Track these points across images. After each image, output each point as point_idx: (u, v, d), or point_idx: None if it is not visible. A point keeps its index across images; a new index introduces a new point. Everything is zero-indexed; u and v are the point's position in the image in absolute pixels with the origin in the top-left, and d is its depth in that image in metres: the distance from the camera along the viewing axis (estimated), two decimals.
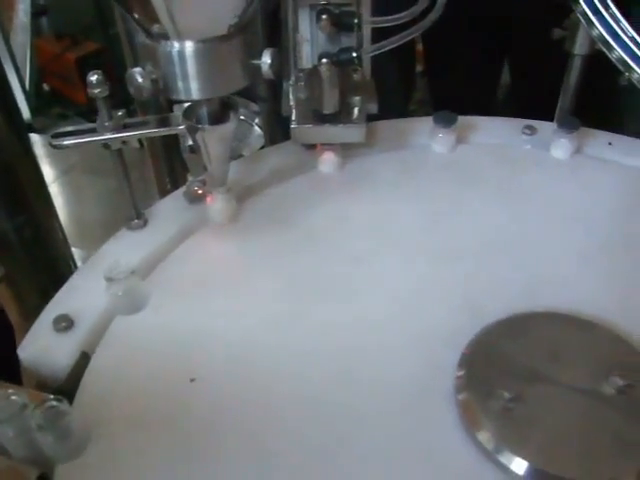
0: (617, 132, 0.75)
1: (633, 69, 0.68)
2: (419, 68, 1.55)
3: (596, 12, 0.71)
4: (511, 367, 0.48)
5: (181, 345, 0.52)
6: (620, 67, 0.69)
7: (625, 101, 1.04)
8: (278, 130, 0.84)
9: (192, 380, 0.49)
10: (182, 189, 0.65)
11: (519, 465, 0.42)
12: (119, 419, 0.47)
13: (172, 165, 0.88)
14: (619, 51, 0.69)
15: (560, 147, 0.70)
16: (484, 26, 1.18)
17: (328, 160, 0.68)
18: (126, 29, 0.81)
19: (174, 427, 0.47)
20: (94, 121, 0.56)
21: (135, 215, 0.61)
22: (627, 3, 1.17)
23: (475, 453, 0.44)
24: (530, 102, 0.85)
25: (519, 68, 1.32)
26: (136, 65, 0.51)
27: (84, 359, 0.51)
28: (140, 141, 0.78)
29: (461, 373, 0.48)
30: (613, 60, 0.70)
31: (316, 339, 0.53)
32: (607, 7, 0.71)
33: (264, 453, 0.45)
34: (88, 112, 1.97)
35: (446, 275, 0.58)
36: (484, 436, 0.44)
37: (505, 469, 0.43)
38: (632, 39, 0.70)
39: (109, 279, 0.52)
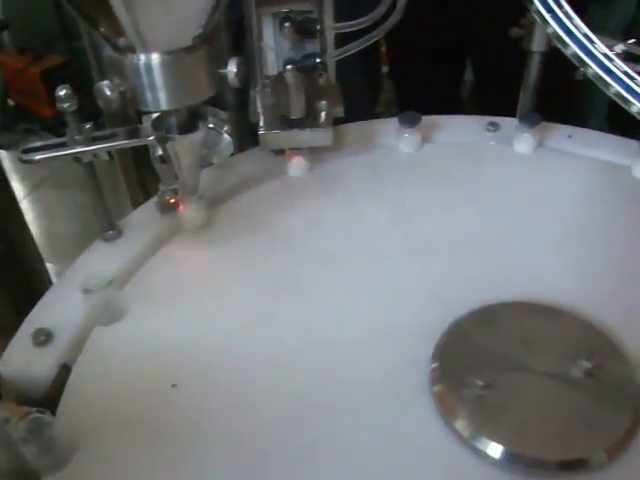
0: (579, 126, 0.78)
1: (587, 64, 0.71)
2: (385, 69, 1.57)
3: (550, 10, 0.73)
4: (483, 356, 0.49)
5: (161, 352, 0.53)
6: (575, 62, 0.72)
7: (585, 96, 1.07)
8: (247, 137, 0.85)
9: (173, 386, 0.50)
10: (154, 199, 0.65)
11: (495, 449, 0.44)
12: (103, 428, 0.48)
13: (143, 176, 0.89)
14: (573, 47, 0.72)
15: (522, 142, 0.73)
16: (446, 26, 1.20)
17: (297, 164, 0.70)
18: (92, 42, 0.82)
19: (158, 433, 0.48)
20: (61, 135, 0.56)
21: (109, 226, 0.61)
22: (584, 1, 1.21)
23: (452, 441, 0.45)
24: (494, 99, 0.87)
25: (481, 66, 1.34)
26: (103, 78, 0.52)
27: (65, 371, 0.52)
28: (110, 153, 0.79)
29: (435, 365, 0.50)
30: (568, 56, 0.72)
31: (292, 337, 0.54)
32: (560, 6, 0.74)
33: (247, 452, 0.46)
34: (55, 126, 1.96)
35: (418, 271, 0.59)
36: (460, 424, 0.46)
37: (482, 454, 0.44)
38: (585, 35, 0.72)
39: (87, 290, 0.53)
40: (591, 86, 0.70)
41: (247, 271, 0.60)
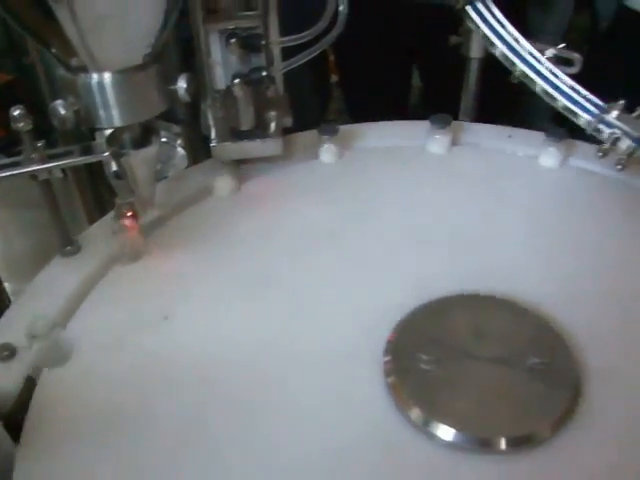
0: (526, 127, 0.82)
1: (515, 64, 0.75)
2: (334, 78, 1.60)
3: (484, 19, 0.78)
4: (436, 346, 0.52)
5: (128, 358, 0.54)
6: (505, 64, 0.76)
7: (529, 99, 1.11)
8: (200, 149, 0.87)
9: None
10: (111, 213, 0.67)
11: (446, 432, 0.47)
12: (71, 436, 0.49)
13: (98, 192, 0.90)
14: (502, 49, 0.76)
15: (436, 143, 0.77)
16: (392, 35, 1.24)
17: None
18: (41, 58, 0.83)
19: (125, 439, 0.49)
20: (12, 155, 0.57)
21: (67, 242, 0.63)
22: (523, 6, 1.26)
23: (406, 427, 0.48)
24: (440, 103, 0.90)
25: (427, 72, 1.39)
26: (53, 95, 0.54)
27: (30, 383, 0.53)
28: (64, 171, 0.80)
29: (388, 358, 0.52)
30: (501, 61, 0.76)
31: (255, 334, 0.56)
32: (494, 15, 0.78)
33: (213, 444, 0.48)
34: (6, 146, 1.94)
35: (366, 275, 0.62)
36: (414, 412, 0.48)
37: (435, 437, 0.47)
38: (514, 39, 0.77)
39: (32, 337, 0.53)
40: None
41: (208, 275, 0.62)
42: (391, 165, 0.75)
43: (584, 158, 0.75)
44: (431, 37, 0.94)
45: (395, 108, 1.37)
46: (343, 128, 0.77)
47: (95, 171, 0.85)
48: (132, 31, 0.51)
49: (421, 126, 0.78)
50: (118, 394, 0.52)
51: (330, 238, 0.66)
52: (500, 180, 0.73)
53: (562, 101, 0.72)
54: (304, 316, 0.58)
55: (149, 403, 0.51)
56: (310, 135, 0.77)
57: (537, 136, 0.77)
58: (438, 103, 0.93)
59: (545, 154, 0.75)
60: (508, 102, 1.17)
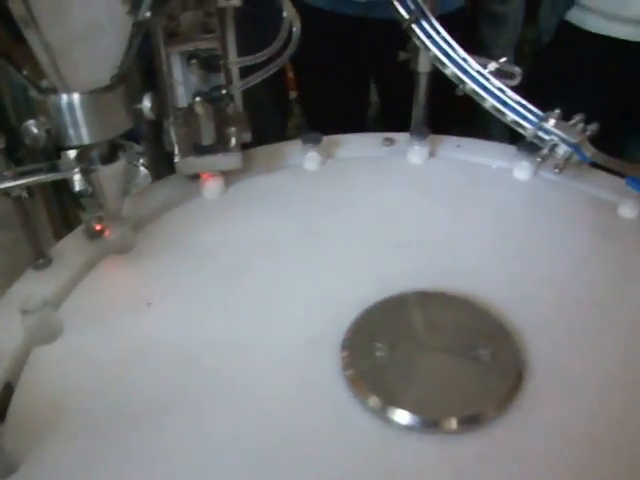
0: (482, 137, 0.87)
1: (464, 82, 0.80)
2: (294, 95, 1.64)
3: (429, 36, 0.83)
4: (391, 339, 0.56)
5: (99, 365, 0.57)
6: (454, 80, 0.81)
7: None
8: (163, 166, 0.90)
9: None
10: (81, 227, 0.70)
11: (402, 416, 0.51)
12: (49, 441, 0.51)
13: (65, 209, 0.93)
14: (451, 67, 0.81)
15: (415, 153, 0.81)
16: (348, 51, 1.28)
17: (211, 187, 0.76)
18: (7, 81, 0.85)
19: (104, 440, 0.52)
20: None
21: (39, 255, 0.65)
22: (475, 26, 1.31)
23: (365, 414, 0.52)
24: (397, 117, 0.95)
25: (383, 88, 1.44)
26: (18, 114, 0.56)
27: (8, 390, 0.56)
28: (29, 189, 0.82)
29: (345, 354, 0.56)
30: (448, 75, 0.82)
31: (219, 332, 0.60)
32: (438, 32, 0.83)
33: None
34: None
35: (329, 274, 0.66)
36: (372, 399, 0.52)
37: (391, 421, 0.51)
38: (461, 57, 0.82)
39: (24, 312, 0.57)
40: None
41: (171, 285, 0.65)
42: (367, 174, 0.80)
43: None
44: (386, 52, 0.99)
45: (353, 123, 1.41)
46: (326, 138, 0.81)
47: (61, 188, 0.88)
48: (99, 54, 0.54)
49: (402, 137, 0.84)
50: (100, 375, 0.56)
51: (302, 239, 0.70)
52: (469, 189, 0.78)
53: (510, 115, 0.78)
54: (271, 311, 0.62)
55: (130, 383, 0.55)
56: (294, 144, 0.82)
57: (486, 145, 0.83)
58: (394, 117, 0.97)
59: (518, 167, 0.80)
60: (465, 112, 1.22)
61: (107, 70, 0.56)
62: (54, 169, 0.62)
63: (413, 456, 0.50)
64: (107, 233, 0.68)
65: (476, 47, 0.82)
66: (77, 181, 0.61)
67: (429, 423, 0.51)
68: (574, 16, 1.16)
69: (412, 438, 0.51)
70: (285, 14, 0.68)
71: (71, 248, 0.68)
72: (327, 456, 0.50)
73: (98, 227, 0.68)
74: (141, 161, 1.27)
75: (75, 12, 0.50)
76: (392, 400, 0.52)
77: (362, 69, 1.36)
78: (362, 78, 1.41)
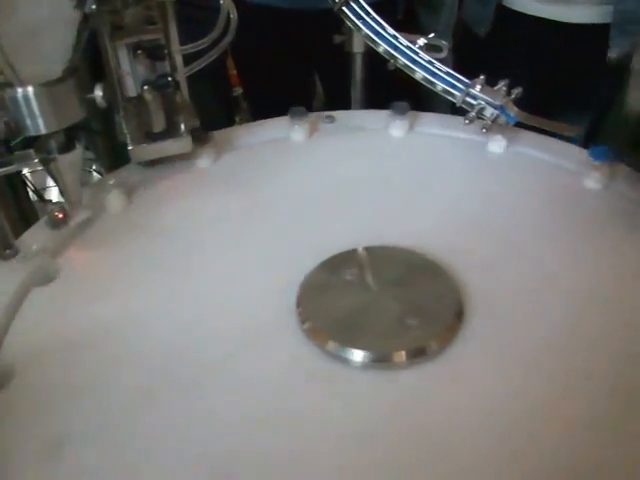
0: None
1: (396, 57, 0.86)
2: (239, 91, 1.68)
3: (359, 17, 0.88)
4: (342, 289, 0.62)
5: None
6: (386, 57, 0.87)
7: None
8: (116, 159, 0.94)
9: None
10: (43, 219, 0.73)
11: (357, 354, 0.56)
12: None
13: (22, 207, 0.96)
14: (383, 45, 0.87)
15: (396, 127, 0.88)
16: (288, 43, 1.32)
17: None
18: None
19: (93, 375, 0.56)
20: None
21: (6, 246, 0.69)
22: (413, 7, 1.36)
23: (325, 358, 0.57)
24: (340, 103, 1.00)
25: (324, 75, 1.48)
26: None
27: None
28: None
29: (300, 309, 0.61)
30: (380, 53, 0.87)
31: (190, 306, 0.64)
32: (368, 13, 0.89)
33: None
34: None
35: (269, 244, 0.71)
36: (329, 344, 0.57)
37: (348, 361, 0.57)
38: (391, 35, 0.87)
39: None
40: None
41: (139, 264, 0.69)
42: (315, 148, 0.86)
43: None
44: (323, 40, 1.03)
45: None
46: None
47: (14, 183, 0.91)
48: (50, 48, 0.58)
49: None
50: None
51: (255, 210, 0.75)
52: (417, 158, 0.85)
53: (440, 84, 0.84)
54: (229, 277, 0.67)
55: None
56: None
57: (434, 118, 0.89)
58: (338, 103, 1.02)
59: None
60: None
61: (58, 63, 0.59)
62: (12, 162, 0.66)
63: (370, 389, 0.55)
64: (70, 220, 0.71)
65: (415, 33, 0.87)
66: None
67: (382, 358, 0.56)
68: (513, 1, 1.19)
69: (368, 374, 0.56)
70: (222, 1, 0.72)
71: (36, 238, 0.71)
72: (293, 399, 0.55)
73: (60, 215, 0.71)
74: (94, 167, 1.31)
75: (24, 8, 0.54)
76: (348, 342, 0.57)
77: (303, 59, 1.39)
78: (304, 69, 1.45)
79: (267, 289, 0.65)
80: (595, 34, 1.09)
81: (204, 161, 0.83)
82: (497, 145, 0.84)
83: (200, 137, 0.80)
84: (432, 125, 0.89)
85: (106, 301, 0.65)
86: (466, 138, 0.86)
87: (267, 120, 0.91)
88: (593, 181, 0.78)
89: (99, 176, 1.12)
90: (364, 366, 0.56)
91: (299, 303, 0.62)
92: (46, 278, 0.67)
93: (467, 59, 1.03)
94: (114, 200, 0.75)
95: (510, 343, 0.59)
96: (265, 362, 0.58)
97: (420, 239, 0.68)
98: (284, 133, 0.88)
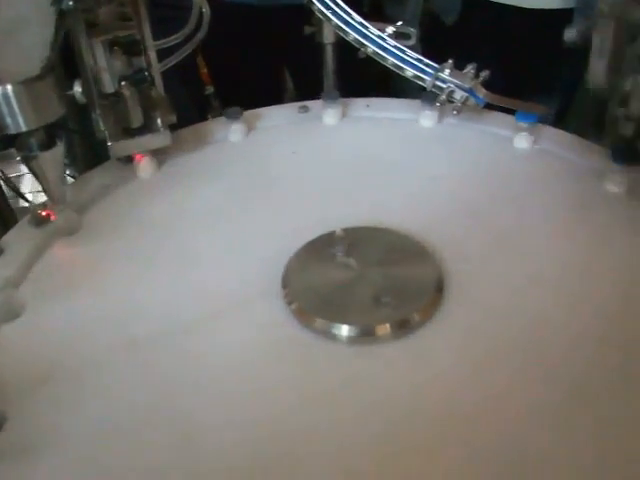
0: None
1: (366, 45, 0.88)
2: (211, 90, 1.68)
3: (329, 8, 0.90)
4: (325, 269, 0.64)
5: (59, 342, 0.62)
6: (356, 45, 0.89)
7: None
8: (96, 156, 0.95)
9: None
10: (26, 217, 0.74)
11: (344, 329, 0.59)
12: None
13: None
14: (352, 34, 0.89)
15: (328, 115, 0.89)
16: (258, 42, 1.33)
17: (145, 166, 0.81)
18: None
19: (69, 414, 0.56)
20: None
21: None
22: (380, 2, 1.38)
23: (312, 334, 0.59)
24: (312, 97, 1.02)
25: (295, 70, 1.50)
26: None
27: None
28: None
29: (286, 290, 0.63)
30: (350, 41, 0.89)
31: (176, 279, 0.67)
32: (336, 3, 0.91)
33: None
34: None
35: (252, 232, 0.73)
36: (317, 322, 0.60)
37: (335, 336, 0.59)
38: (360, 23, 0.89)
39: None
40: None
41: (120, 260, 0.70)
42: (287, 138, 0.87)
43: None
44: (294, 35, 1.05)
45: None
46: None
47: None
48: (29, 46, 0.59)
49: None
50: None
51: (235, 201, 0.77)
52: (380, 141, 0.87)
53: (410, 70, 0.86)
54: (216, 265, 0.68)
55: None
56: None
57: (393, 101, 0.92)
58: (310, 97, 1.04)
59: (423, 116, 0.88)
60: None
61: (37, 61, 0.60)
62: None
63: (355, 362, 0.57)
64: (53, 218, 0.72)
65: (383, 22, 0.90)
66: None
67: (367, 331, 0.58)
68: None
69: (353, 348, 0.58)
70: None
71: (20, 237, 0.72)
72: (286, 375, 0.57)
73: (44, 213, 0.72)
74: (67, 172, 1.31)
75: (2, 7, 0.55)
76: (334, 318, 0.59)
77: (274, 56, 1.41)
78: (275, 65, 1.47)
79: (255, 271, 0.67)
80: (559, 19, 1.12)
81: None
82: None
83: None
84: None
85: (93, 288, 0.66)
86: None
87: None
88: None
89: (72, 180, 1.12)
90: (351, 340, 0.59)
91: (285, 284, 0.64)
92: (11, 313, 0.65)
93: (435, 47, 1.05)
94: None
95: (482, 328, 0.60)
96: (254, 343, 0.60)
97: (400, 220, 0.70)
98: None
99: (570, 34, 0.88)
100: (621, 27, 0.71)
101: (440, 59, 0.85)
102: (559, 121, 1.21)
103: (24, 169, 1.28)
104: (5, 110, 0.61)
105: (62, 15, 0.59)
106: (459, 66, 0.84)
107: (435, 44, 1.15)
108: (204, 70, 1.53)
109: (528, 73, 1.22)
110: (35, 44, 0.60)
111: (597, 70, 0.73)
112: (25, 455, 0.52)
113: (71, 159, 1.21)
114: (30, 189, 1.56)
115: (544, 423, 0.52)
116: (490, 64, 0.86)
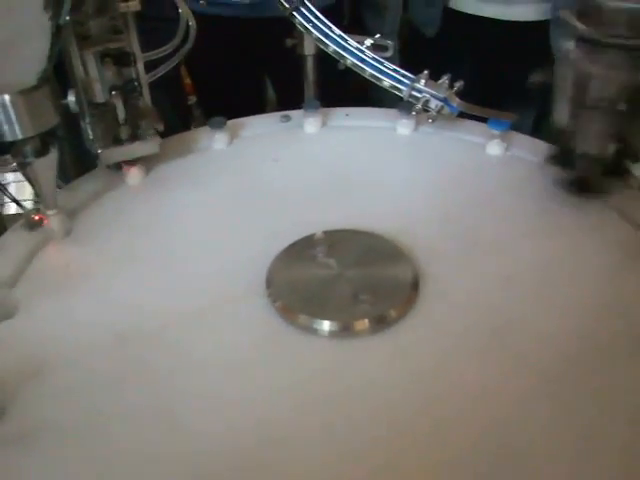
0: None
1: (345, 57, 0.92)
2: (194, 100, 1.72)
3: (309, 21, 0.94)
4: (308, 269, 0.68)
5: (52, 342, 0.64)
6: (336, 57, 0.93)
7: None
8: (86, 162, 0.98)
9: None
10: (19, 222, 0.77)
11: (325, 325, 0.62)
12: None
13: None
14: (332, 46, 0.93)
15: (309, 124, 0.92)
16: (241, 54, 1.37)
17: (132, 174, 0.84)
18: None
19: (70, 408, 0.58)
20: None
21: None
22: (359, 13, 1.42)
23: (296, 330, 0.63)
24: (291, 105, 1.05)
25: (277, 81, 1.54)
26: None
27: None
28: None
29: (271, 289, 0.67)
30: (330, 53, 0.93)
31: (166, 278, 0.70)
32: (317, 17, 0.95)
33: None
34: None
35: (237, 234, 0.76)
36: (300, 318, 0.63)
37: (317, 331, 0.62)
38: (340, 36, 0.93)
39: None
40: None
41: (112, 263, 0.73)
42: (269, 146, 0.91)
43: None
44: (276, 47, 1.08)
45: None
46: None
47: None
48: (27, 58, 0.62)
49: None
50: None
51: (221, 204, 0.81)
52: (359, 148, 0.91)
53: (387, 81, 0.90)
54: (204, 265, 0.72)
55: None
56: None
57: (371, 110, 0.96)
58: (291, 106, 1.08)
59: (400, 124, 0.93)
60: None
61: (34, 72, 0.64)
62: None
63: (337, 355, 0.61)
64: (46, 222, 0.75)
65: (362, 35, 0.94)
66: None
67: (347, 327, 0.62)
68: (461, 3, 1.26)
69: (335, 342, 0.62)
70: (180, 11, 0.77)
71: (13, 241, 0.75)
72: (272, 367, 0.60)
73: (37, 217, 0.75)
74: None
75: (2, 19, 0.58)
76: (316, 315, 0.62)
77: (256, 67, 1.45)
78: (257, 76, 1.50)
79: (241, 271, 0.70)
80: (534, 30, 1.17)
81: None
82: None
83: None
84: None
85: (83, 289, 0.69)
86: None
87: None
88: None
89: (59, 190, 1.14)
90: (331, 335, 0.62)
91: (269, 284, 0.67)
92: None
93: (413, 59, 1.09)
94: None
95: (454, 324, 0.64)
96: (241, 340, 0.63)
97: (377, 223, 0.74)
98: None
99: (535, 78, 0.92)
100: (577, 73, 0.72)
101: (420, 70, 0.89)
102: (536, 130, 1.26)
103: None
104: (2, 118, 0.64)
105: (59, 29, 0.62)
106: (438, 77, 0.88)
107: (415, 56, 1.20)
108: (187, 80, 1.56)
109: (506, 83, 1.27)
110: (33, 56, 0.63)
111: (560, 111, 0.76)
112: (21, 445, 0.55)
113: (58, 168, 1.23)
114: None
115: (518, 414, 0.56)
116: (469, 74, 0.90)
